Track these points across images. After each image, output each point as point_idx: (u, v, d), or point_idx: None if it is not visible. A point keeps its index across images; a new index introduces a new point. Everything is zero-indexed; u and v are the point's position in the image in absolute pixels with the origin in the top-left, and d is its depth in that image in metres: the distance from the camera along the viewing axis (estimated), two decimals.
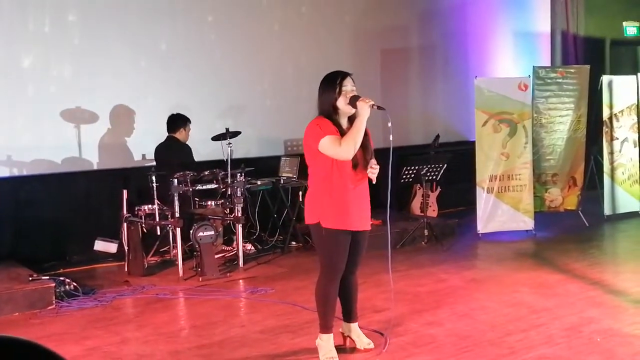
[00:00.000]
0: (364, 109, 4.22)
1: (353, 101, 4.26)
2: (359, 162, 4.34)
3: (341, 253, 4.39)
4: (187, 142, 7.55)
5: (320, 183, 4.37)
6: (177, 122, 7.52)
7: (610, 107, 9.23)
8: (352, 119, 4.33)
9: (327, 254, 4.41)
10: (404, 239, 7.94)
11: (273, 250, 7.82)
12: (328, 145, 4.24)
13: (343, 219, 4.32)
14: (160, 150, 7.52)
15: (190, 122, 7.57)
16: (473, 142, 8.56)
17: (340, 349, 4.55)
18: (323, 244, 4.40)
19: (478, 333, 4.90)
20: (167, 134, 7.53)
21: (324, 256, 4.44)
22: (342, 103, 4.30)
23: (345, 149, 4.20)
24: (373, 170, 4.35)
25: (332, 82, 4.33)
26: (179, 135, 7.51)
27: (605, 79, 9.32)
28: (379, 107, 4.27)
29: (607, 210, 9.21)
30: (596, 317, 5.18)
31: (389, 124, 4.21)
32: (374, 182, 4.41)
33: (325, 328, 4.48)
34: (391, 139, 4.22)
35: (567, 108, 8.90)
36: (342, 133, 4.28)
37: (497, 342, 4.70)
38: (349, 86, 4.32)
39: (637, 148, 9.43)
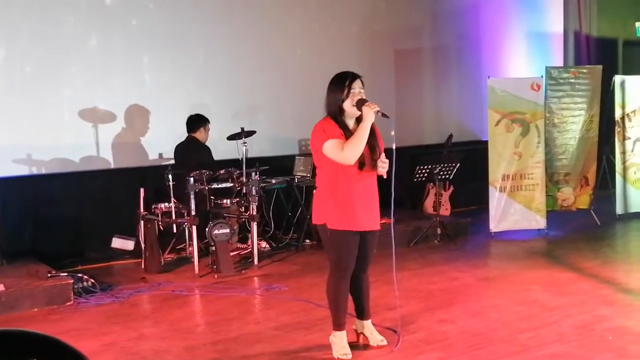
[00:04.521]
0: (369, 115, 4.22)
1: (359, 105, 4.27)
2: (365, 162, 4.35)
3: (349, 253, 4.41)
4: (206, 143, 7.63)
5: (326, 184, 4.40)
6: (196, 122, 7.61)
7: (623, 107, 9.24)
8: (359, 119, 4.33)
9: (336, 254, 4.44)
10: (417, 237, 7.99)
11: (287, 248, 7.89)
12: (331, 149, 4.26)
13: (349, 219, 4.34)
14: (179, 149, 7.62)
15: (209, 122, 7.65)
16: (486, 142, 8.58)
17: (353, 346, 4.59)
18: (331, 245, 4.43)
19: (490, 330, 4.95)
20: (186, 134, 7.63)
21: (333, 256, 4.47)
22: (348, 105, 4.32)
23: (348, 154, 4.22)
24: (383, 165, 4.36)
25: (340, 83, 4.34)
26: (199, 135, 7.60)
27: (617, 79, 9.32)
28: (383, 115, 4.27)
29: (619, 210, 9.23)
30: (608, 315, 5.21)
31: (392, 133, 4.25)
32: (385, 177, 4.40)
33: (338, 325, 4.53)
34: (394, 147, 4.28)
35: (580, 108, 8.92)
36: (348, 134, 4.30)
37: (509, 340, 4.74)
38: (357, 89, 4.33)
39: None
